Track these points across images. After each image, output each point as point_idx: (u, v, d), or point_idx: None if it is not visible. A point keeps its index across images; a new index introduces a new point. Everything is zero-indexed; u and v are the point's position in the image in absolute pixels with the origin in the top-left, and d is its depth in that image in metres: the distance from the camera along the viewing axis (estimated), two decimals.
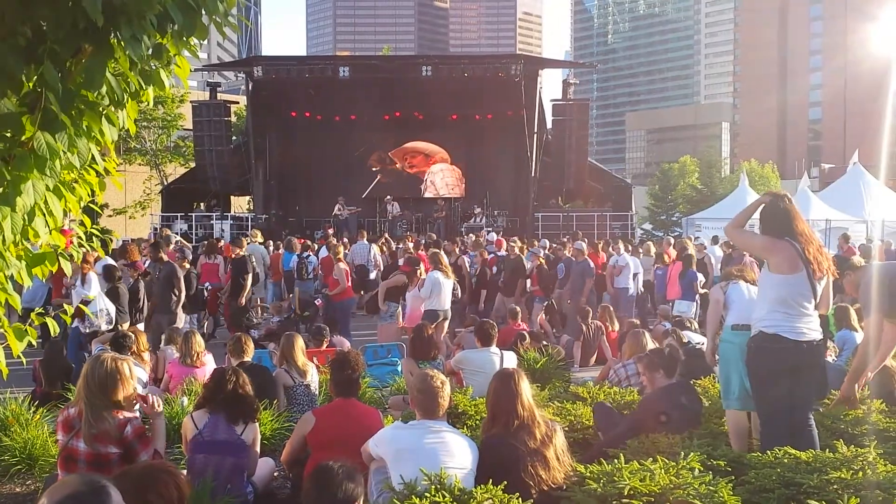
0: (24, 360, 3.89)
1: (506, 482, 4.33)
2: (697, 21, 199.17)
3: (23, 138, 3.02)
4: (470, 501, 4.17)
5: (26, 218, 3.16)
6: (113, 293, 11.55)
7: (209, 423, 5.58)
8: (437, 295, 12.39)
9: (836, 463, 4.76)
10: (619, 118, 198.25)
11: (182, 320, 12.75)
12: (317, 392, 8.26)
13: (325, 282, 16.06)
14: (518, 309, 13.73)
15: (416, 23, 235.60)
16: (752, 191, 36.22)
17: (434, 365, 8.40)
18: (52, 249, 3.61)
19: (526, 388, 4.98)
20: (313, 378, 8.22)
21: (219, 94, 34.38)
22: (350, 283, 15.18)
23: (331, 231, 25.51)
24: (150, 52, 3.28)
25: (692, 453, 4.69)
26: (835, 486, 4.44)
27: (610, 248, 18.62)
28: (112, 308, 11.11)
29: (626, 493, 4.18)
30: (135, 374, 5.53)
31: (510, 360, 8.53)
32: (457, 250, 18.55)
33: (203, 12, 3.27)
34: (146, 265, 13.83)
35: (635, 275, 16.67)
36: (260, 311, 17.46)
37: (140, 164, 41.85)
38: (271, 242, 20.79)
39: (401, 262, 16.65)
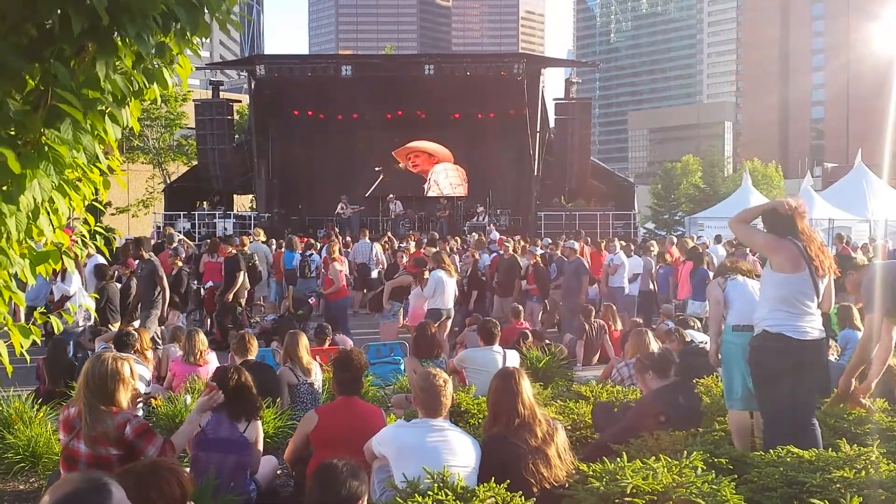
0: (27, 358, 3.89)
1: (508, 481, 4.34)
2: (700, 20, 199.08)
3: (26, 137, 3.03)
4: (473, 500, 4.17)
5: (31, 216, 3.17)
6: (104, 291, 11.57)
7: (212, 421, 5.58)
8: (440, 294, 12.38)
9: (839, 462, 4.76)
10: (622, 117, 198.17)
11: (156, 319, 12.56)
12: (320, 390, 8.27)
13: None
14: (521, 308, 13.73)
15: (419, 21, 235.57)
16: (754, 190, 36.27)
17: (437, 363, 8.42)
18: (55, 247, 3.61)
19: (527, 387, 4.99)
20: (317, 376, 8.23)
21: (221, 93, 34.36)
22: (345, 283, 15.16)
23: (334, 230, 25.50)
24: (153, 50, 3.28)
25: (695, 452, 4.68)
26: (838, 486, 4.44)
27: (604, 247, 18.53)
28: (92, 305, 11.01)
29: (628, 492, 4.18)
30: (136, 373, 5.54)
31: (513, 358, 8.53)
32: (447, 249, 18.40)
33: (206, 11, 3.28)
34: (137, 263, 13.82)
35: (637, 275, 16.61)
36: (263, 310, 17.47)
37: (143, 163, 41.84)
38: (274, 241, 20.80)
39: (404, 260, 16.66)
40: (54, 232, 3.49)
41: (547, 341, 11.49)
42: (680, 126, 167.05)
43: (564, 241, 18.84)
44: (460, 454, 4.68)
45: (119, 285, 13.00)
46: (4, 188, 2.97)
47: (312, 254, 17.62)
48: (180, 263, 14.98)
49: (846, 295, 9.33)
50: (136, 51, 3.16)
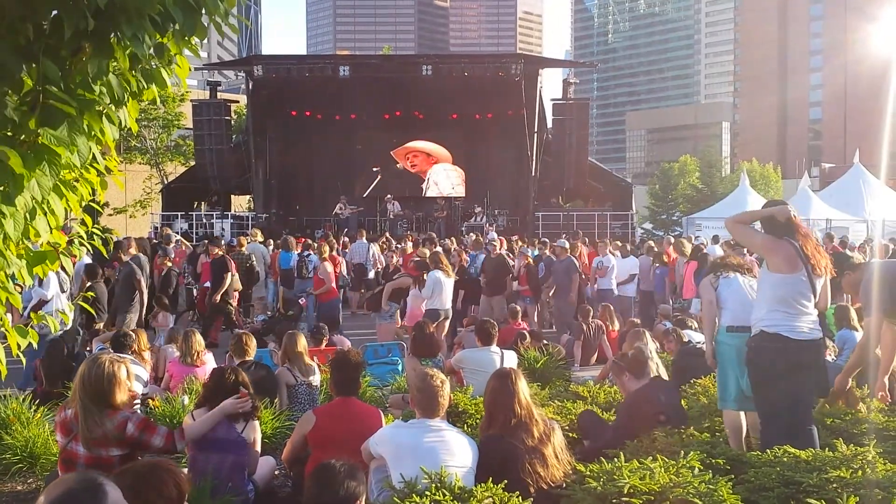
0: (23, 360, 3.89)
1: (506, 481, 4.34)
2: (698, 20, 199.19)
3: (22, 137, 3.03)
4: (470, 500, 4.17)
5: (28, 217, 3.16)
6: (91, 291, 11.55)
7: None
8: (438, 294, 12.40)
9: (836, 462, 4.77)
10: (620, 118, 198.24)
11: (133, 322, 12.32)
12: (318, 391, 8.28)
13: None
14: (518, 308, 13.74)
15: (417, 22, 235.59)
16: (752, 190, 36.31)
17: (435, 363, 8.42)
18: (52, 248, 3.61)
19: (523, 387, 4.99)
20: (316, 377, 8.23)
21: (219, 94, 34.38)
22: (337, 283, 15.14)
23: (332, 231, 25.51)
24: (151, 51, 3.29)
25: (692, 452, 4.69)
26: (834, 485, 4.45)
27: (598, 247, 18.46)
28: (68, 309, 10.89)
29: (625, 492, 4.18)
30: (133, 375, 5.54)
31: (510, 359, 8.53)
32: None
33: (203, 12, 3.28)
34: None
35: (633, 275, 16.59)
36: (254, 311, 17.45)
37: (140, 163, 41.86)
38: (271, 241, 20.79)
39: (394, 260, 16.60)
40: (51, 233, 3.49)
41: (545, 341, 11.50)
42: (677, 126, 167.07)
43: (571, 240, 18.80)
44: (458, 454, 4.69)
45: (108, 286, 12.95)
46: (2, 188, 2.97)
47: (310, 254, 17.58)
48: (169, 264, 14.92)
49: (843, 294, 9.37)
50: (132, 52, 3.16)
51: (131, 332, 9.02)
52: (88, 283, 11.89)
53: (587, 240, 20.66)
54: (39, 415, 7.21)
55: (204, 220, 31.14)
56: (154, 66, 3.48)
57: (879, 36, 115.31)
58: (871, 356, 6.20)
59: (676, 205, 65.16)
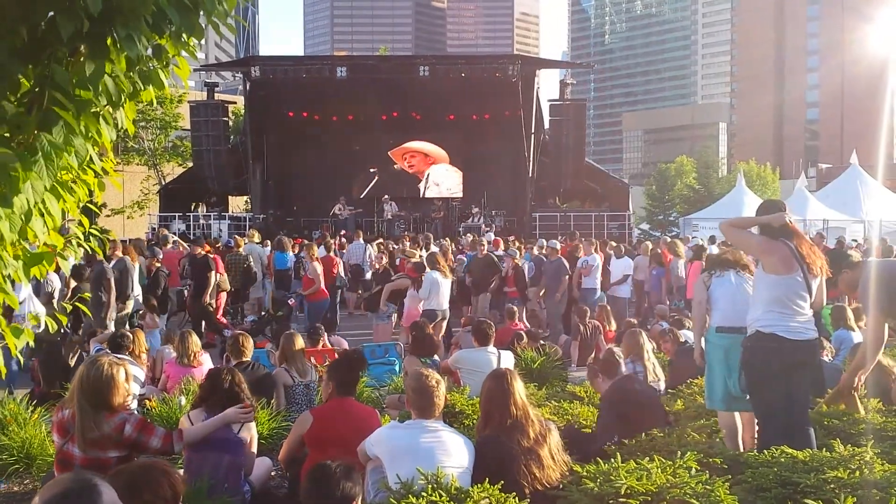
0: (21, 360, 3.89)
1: (502, 482, 4.33)
2: (694, 21, 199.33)
3: (19, 138, 3.02)
4: (467, 501, 4.16)
5: (24, 218, 3.16)
6: (77, 291, 11.53)
7: None
8: (435, 295, 12.42)
9: (834, 462, 4.76)
10: (616, 118, 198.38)
11: (104, 323, 12.03)
12: (315, 391, 8.27)
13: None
14: (515, 308, 13.75)
15: (414, 23, 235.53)
16: (748, 191, 36.36)
17: (433, 363, 8.43)
18: (49, 250, 3.61)
19: (519, 388, 4.98)
20: (313, 378, 8.23)
21: (216, 94, 34.41)
22: (327, 283, 15.11)
23: (329, 231, 25.49)
24: (148, 52, 3.28)
25: (689, 452, 4.69)
26: (832, 486, 4.44)
27: (607, 248, 18.48)
28: (43, 311, 10.79)
29: (622, 493, 4.18)
30: (131, 377, 5.53)
31: (507, 359, 8.54)
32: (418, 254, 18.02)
33: (202, 13, 3.27)
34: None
35: (626, 275, 16.56)
36: (245, 311, 17.42)
37: (138, 164, 41.84)
38: (268, 242, 20.78)
39: (384, 261, 16.59)
40: (48, 234, 3.48)
41: (541, 342, 11.51)
42: (674, 127, 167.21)
43: (568, 241, 18.78)
44: (454, 455, 4.68)
45: None
46: None
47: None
48: (158, 265, 14.85)
49: (839, 293, 9.38)
50: (127, 54, 3.16)
51: (129, 333, 9.01)
52: (75, 285, 11.86)
53: (584, 240, 20.59)
54: (36, 415, 7.20)
55: (201, 221, 31.16)
56: (152, 68, 3.47)
57: (876, 36, 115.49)
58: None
59: (673, 205, 65.20)
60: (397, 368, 10.54)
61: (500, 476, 4.41)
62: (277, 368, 8.32)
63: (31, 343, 3.81)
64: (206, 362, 9.10)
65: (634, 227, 39.38)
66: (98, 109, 3.28)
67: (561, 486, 4.64)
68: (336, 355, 8.83)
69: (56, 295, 11.70)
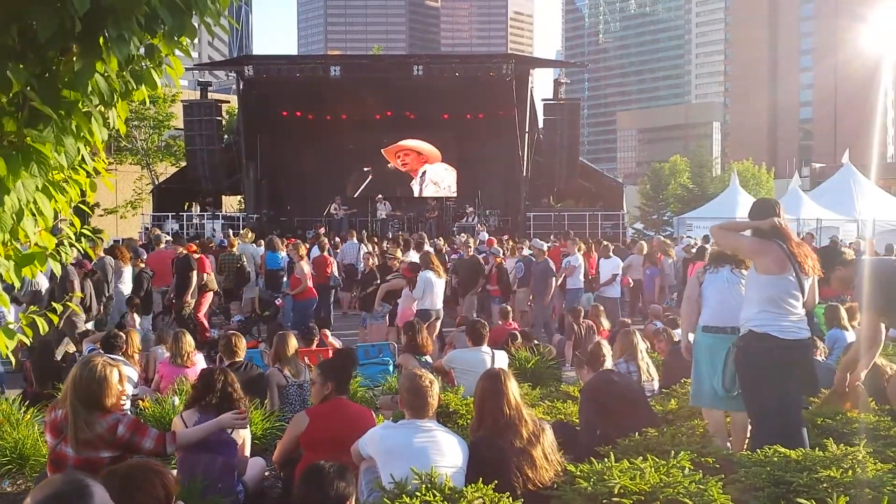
0: (13, 360, 3.88)
1: (496, 482, 4.33)
2: (688, 21, 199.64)
3: (10, 138, 3.01)
4: (460, 500, 4.16)
5: (15, 218, 3.15)
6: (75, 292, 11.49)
7: (199, 423, 5.57)
8: (429, 294, 12.42)
9: (826, 461, 4.77)
10: (611, 118, 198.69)
11: (74, 324, 11.78)
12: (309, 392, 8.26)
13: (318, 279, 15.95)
14: (509, 308, 13.75)
15: (408, 22, 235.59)
16: (742, 190, 36.43)
17: (425, 362, 8.43)
18: (41, 249, 3.60)
19: (513, 388, 4.99)
20: (306, 378, 8.21)
21: (209, 94, 34.32)
22: (311, 284, 15.06)
23: (322, 231, 25.44)
24: (140, 51, 3.27)
25: (682, 452, 4.70)
26: (825, 485, 4.45)
27: (597, 248, 18.42)
28: (11, 312, 10.66)
29: (616, 492, 4.18)
30: (125, 378, 5.51)
31: (501, 359, 8.53)
32: (399, 253, 17.58)
33: (194, 13, 3.26)
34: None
35: (615, 275, 16.52)
36: (233, 311, 17.36)
37: (131, 164, 41.71)
38: (262, 242, 20.74)
39: (371, 262, 16.56)
40: (39, 234, 3.47)
41: (535, 342, 11.50)
42: (668, 126, 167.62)
43: (563, 241, 18.73)
44: (448, 455, 4.68)
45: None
46: None
47: None
48: (141, 265, 14.77)
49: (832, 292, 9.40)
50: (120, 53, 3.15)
51: (122, 333, 8.99)
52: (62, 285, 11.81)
53: (578, 240, 20.60)
54: (29, 416, 7.18)
55: (195, 221, 31.06)
56: (144, 67, 3.46)
57: (869, 36, 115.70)
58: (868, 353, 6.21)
59: (667, 205, 65.36)
60: (391, 368, 10.53)
61: (493, 476, 4.41)
62: (271, 368, 8.31)
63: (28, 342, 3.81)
64: (199, 362, 9.08)
65: (629, 226, 39.42)
66: (89, 109, 3.27)
67: (555, 485, 4.65)
68: (330, 354, 8.81)
69: (44, 294, 11.67)
